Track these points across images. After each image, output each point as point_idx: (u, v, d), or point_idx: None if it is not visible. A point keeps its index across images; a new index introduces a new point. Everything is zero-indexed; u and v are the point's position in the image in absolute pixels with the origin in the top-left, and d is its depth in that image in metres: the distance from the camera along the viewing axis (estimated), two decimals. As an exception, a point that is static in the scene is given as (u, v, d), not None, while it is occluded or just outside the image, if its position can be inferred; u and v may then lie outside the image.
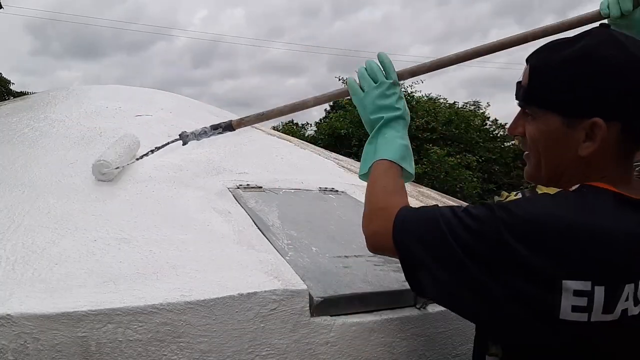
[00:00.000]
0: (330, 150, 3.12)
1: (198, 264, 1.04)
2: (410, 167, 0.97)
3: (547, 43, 0.80)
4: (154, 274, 0.98)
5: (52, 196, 1.27)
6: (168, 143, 1.42)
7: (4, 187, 1.32)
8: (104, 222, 1.17)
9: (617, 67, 0.72)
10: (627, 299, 0.67)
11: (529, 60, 0.81)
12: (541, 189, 0.76)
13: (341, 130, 8.64)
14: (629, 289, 0.67)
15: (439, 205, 0.84)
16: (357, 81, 1.03)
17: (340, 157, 2.71)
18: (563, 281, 0.66)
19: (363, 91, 1.02)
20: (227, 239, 1.19)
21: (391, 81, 1.00)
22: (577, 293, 0.66)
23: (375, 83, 1.00)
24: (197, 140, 1.37)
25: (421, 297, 0.85)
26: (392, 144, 0.96)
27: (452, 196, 2.99)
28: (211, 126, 1.35)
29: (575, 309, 0.66)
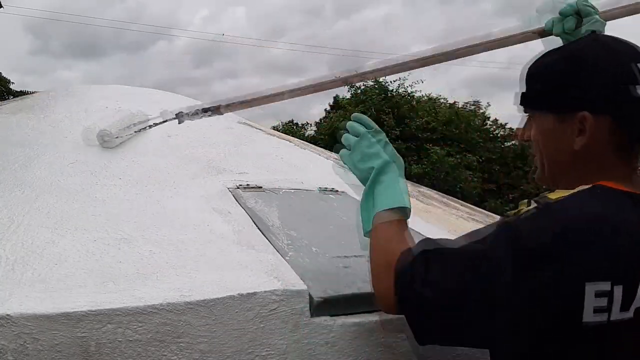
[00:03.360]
0: (330, 150, 3.12)
1: (198, 264, 1.04)
2: (409, 202, 0.95)
3: (541, 52, 0.87)
4: (153, 274, 0.98)
5: (52, 196, 1.27)
6: (166, 120, 1.55)
7: (4, 187, 1.32)
8: (104, 222, 1.17)
9: (600, 64, 0.77)
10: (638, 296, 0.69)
11: (526, 68, 0.87)
12: (551, 197, 0.77)
13: (341, 130, 8.65)
14: None
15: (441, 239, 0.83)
16: (345, 146, 1.00)
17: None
18: (585, 284, 0.67)
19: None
20: (227, 239, 1.19)
21: (372, 129, 0.97)
22: (598, 294, 0.67)
23: (357, 137, 0.98)
24: (191, 120, 1.49)
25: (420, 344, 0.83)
26: (391, 189, 0.93)
27: (452, 196, 2.99)
28: (202, 109, 1.44)
29: (596, 310, 0.67)
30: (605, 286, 0.67)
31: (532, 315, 0.69)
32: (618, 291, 0.67)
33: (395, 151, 0.98)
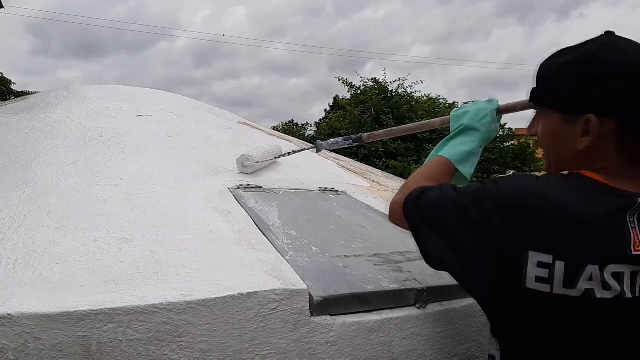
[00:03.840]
0: (330, 151, 3.12)
1: (198, 264, 1.04)
2: (467, 171, 1.08)
3: (557, 50, 0.88)
4: (154, 273, 0.98)
5: (53, 196, 1.28)
6: (304, 149, 1.77)
7: (5, 187, 1.32)
8: (105, 222, 1.17)
9: (611, 69, 0.78)
10: (590, 279, 0.72)
11: (539, 66, 0.90)
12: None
13: (341, 130, 8.64)
14: (592, 269, 0.72)
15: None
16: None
17: (340, 157, 2.72)
18: (529, 252, 0.73)
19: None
20: (227, 239, 1.19)
21: (495, 107, 1.14)
22: (540, 265, 0.73)
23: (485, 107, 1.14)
24: (329, 149, 1.59)
25: (428, 264, 0.92)
26: (457, 148, 1.09)
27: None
28: (343, 138, 1.52)
29: (538, 279, 0.73)
30: (547, 259, 0.72)
31: (486, 263, 0.78)
32: (560, 266, 0.72)
33: (495, 128, 1.15)
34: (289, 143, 2.40)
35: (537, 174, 0.86)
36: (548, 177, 0.82)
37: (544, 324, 0.76)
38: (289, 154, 1.74)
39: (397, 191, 1.06)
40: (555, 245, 0.73)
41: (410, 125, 1.45)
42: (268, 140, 1.86)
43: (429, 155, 1.13)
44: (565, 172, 0.83)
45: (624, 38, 0.83)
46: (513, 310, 0.79)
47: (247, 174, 1.67)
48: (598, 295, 0.72)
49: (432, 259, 0.90)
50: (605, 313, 0.73)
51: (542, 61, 0.89)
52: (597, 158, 0.81)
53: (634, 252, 0.72)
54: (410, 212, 0.93)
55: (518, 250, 0.74)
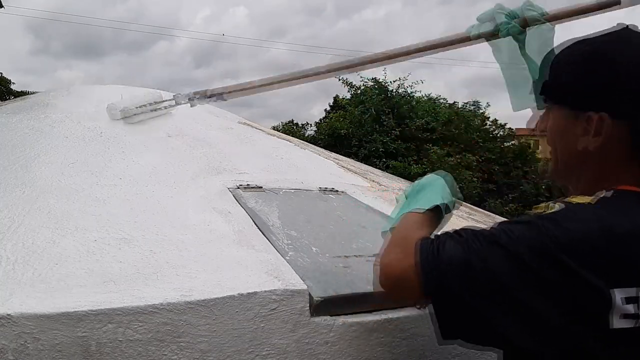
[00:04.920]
0: (330, 150, 3.12)
1: (198, 264, 1.04)
2: (448, 201, 0.95)
3: (571, 42, 0.83)
4: (154, 274, 0.98)
5: (53, 196, 1.28)
6: (179, 104, 1.71)
7: (5, 187, 1.32)
8: (104, 222, 1.17)
9: (627, 68, 0.74)
10: None
11: (554, 58, 0.85)
12: (572, 200, 0.76)
13: (341, 130, 8.64)
14: None
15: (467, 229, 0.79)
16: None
17: (340, 157, 2.71)
18: (613, 290, 0.66)
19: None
20: (227, 239, 1.19)
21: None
22: (627, 301, 0.67)
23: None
24: (201, 104, 1.62)
25: (451, 340, 0.78)
26: (414, 203, 0.95)
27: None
28: (209, 95, 1.56)
29: (624, 316, 0.67)
30: (633, 292, 0.67)
31: (556, 315, 0.68)
32: None
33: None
34: (289, 143, 2.40)
35: (574, 200, 0.76)
36: (602, 203, 0.74)
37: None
38: (165, 107, 1.76)
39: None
40: (638, 275, 0.67)
41: (263, 79, 1.47)
42: (144, 90, 1.86)
43: (383, 227, 0.99)
44: (606, 193, 0.75)
45: (638, 32, 0.78)
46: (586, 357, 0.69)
47: (117, 119, 1.68)
48: None
49: (461, 330, 0.76)
50: None
51: (557, 53, 0.85)
52: (609, 160, 0.77)
53: None
54: (430, 274, 0.74)
55: (602, 291, 0.66)
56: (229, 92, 1.52)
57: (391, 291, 0.83)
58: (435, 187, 0.97)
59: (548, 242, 0.68)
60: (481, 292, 0.71)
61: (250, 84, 1.47)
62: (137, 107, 1.70)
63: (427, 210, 0.91)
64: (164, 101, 1.74)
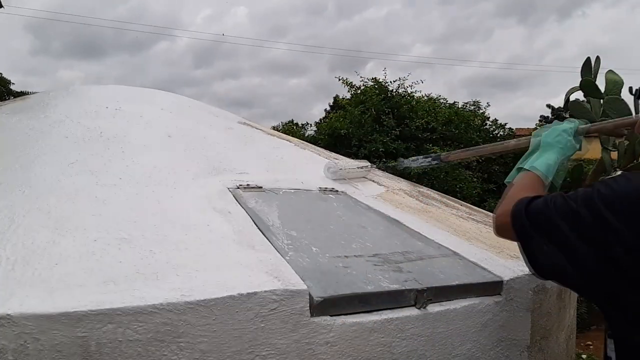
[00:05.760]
0: (330, 150, 3.12)
1: (198, 264, 1.04)
2: (557, 180, 1.18)
3: None
4: (154, 274, 0.98)
5: (53, 196, 1.28)
6: (388, 166, 1.96)
7: (5, 187, 1.32)
8: (104, 222, 1.17)
9: None
10: None
11: None
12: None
13: (341, 130, 8.62)
14: None
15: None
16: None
17: (340, 157, 2.71)
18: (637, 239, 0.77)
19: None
20: (227, 239, 1.19)
21: (572, 126, 1.23)
22: None
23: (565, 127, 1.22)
24: (410, 166, 1.68)
25: (535, 273, 0.96)
26: (539, 161, 1.16)
27: (452, 196, 2.99)
28: (423, 156, 1.61)
29: None
30: None
31: (599, 261, 0.81)
32: None
33: (572, 145, 1.21)
34: (289, 143, 2.40)
35: None
36: None
37: None
38: (372, 166, 1.89)
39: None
40: None
41: (485, 146, 1.55)
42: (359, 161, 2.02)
43: (510, 174, 1.20)
44: None
45: None
46: (629, 307, 0.81)
47: (332, 179, 1.77)
48: None
49: (541, 267, 0.93)
50: None
51: None
52: None
53: None
54: (518, 221, 0.96)
55: (625, 236, 0.77)
56: (448, 156, 1.57)
57: (499, 234, 1.08)
58: (557, 145, 1.18)
59: (594, 195, 0.83)
60: (548, 236, 0.89)
61: (466, 151, 1.56)
62: (347, 170, 1.83)
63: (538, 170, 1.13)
64: (368, 165, 1.89)
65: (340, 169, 1.79)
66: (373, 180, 2.10)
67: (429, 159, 1.58)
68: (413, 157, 1.66)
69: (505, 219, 1.00)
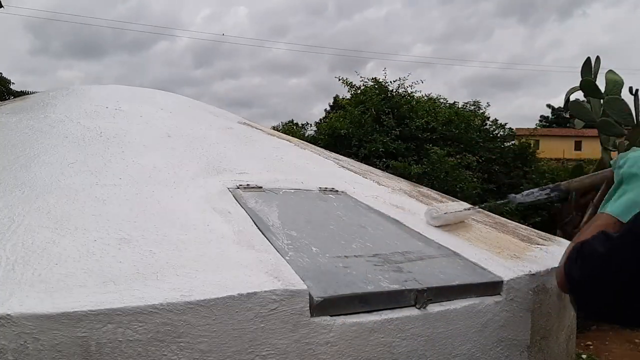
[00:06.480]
0: (330, 150, 3.12)
1: (198, 264, 1.04)
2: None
3: None
4: (154, 274, 0.98)
5: (52, 196, 1.28)
6: (496, 203, 1.77)
7: (4, 187, 1.32)
8: (104, 222, 1.17)
9: None
10: None
11: None
12: None
13: (341, 130, 8.62)
14: None
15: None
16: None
17: (340, 157, 2.71)
18: None
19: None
20: (227, 239, 1.19)
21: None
22: None
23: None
24: (524, 201, 1.47)
25: (587, 317, 0.98)
26: (619, 201, 1.07)
27: (452, 196, 2.98)
28: (539, 188, 1.45)
29: None
30: None
31: None
32: None
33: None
34: (289, 143, 2.40)
35: None
36: None
37: None
38: (479, 206, 1.78)
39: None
40: None
41: (596, 173, 1.47)
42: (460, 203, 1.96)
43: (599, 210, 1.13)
44: None
45: None
46: None
47: (435, 225, 1.67)
48: None
49: (594, 313, 0.96)
50: None
51: None
52: None
53: None
54: (570, 272, 0.95)
55: None
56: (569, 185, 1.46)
57: (560, 288, 1.03)
58: (635, 181, 1.07)
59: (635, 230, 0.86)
60: (598, 279, 0.89)
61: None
62: (454, 214, 1.73)
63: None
64: (469, 208, 1.79)
65: (445, 213, 1.67)
66: (373, 180, 2.09)
67: (547, 190, 1.40)
68: (527, 191, 1.46)
69: (561, 273, 0.99)
